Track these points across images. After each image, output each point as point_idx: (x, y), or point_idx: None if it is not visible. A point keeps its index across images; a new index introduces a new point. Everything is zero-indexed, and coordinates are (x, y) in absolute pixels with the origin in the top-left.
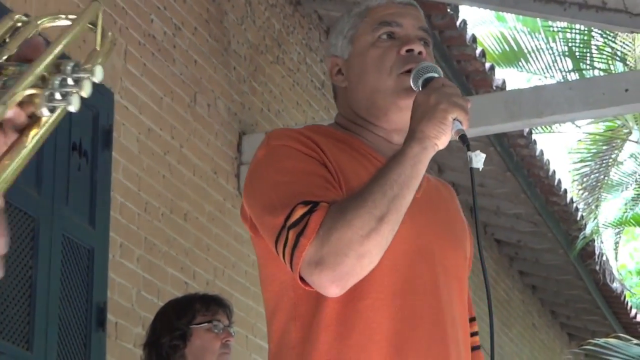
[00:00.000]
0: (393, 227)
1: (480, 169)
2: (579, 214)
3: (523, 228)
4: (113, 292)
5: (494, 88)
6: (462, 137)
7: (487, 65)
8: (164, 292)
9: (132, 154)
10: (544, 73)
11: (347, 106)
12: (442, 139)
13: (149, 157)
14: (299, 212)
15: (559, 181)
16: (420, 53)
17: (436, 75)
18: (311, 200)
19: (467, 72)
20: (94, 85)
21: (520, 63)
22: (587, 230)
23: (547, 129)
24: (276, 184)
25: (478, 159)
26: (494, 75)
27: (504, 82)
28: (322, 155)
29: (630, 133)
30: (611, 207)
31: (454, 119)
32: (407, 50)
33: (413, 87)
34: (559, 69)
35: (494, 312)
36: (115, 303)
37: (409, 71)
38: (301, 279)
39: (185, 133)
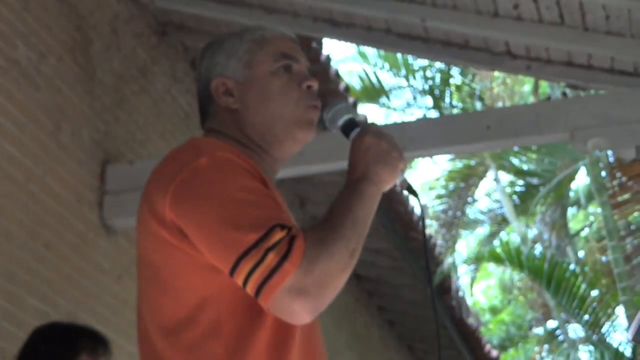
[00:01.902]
0: (355, 263)
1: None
2: (437, 249)
3: (383, 263)
4: None
5: None
6: (410, 189)
7: (350, 100)
8: (24, 323)
9: None
10: (404, 110)
11: (236, 128)
12: (389, 185)
13: (10, 184)
14: (278, 235)
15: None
16: (314, 90)
17: (353, 116)
18: (286, 225)
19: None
20: None
21: (381, 99)
22: (445, 266)
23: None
24: (239, 201)
25: (422, 207)
26: (356, 110)
27: (365, 118)
28: (262, 175)
29: (486, 171)
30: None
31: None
32: (308, 86)
33: (327, 124)
34: (420, 107)
35: (352, 347)
36: None
37: (313, 106)
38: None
39: (49, 161)
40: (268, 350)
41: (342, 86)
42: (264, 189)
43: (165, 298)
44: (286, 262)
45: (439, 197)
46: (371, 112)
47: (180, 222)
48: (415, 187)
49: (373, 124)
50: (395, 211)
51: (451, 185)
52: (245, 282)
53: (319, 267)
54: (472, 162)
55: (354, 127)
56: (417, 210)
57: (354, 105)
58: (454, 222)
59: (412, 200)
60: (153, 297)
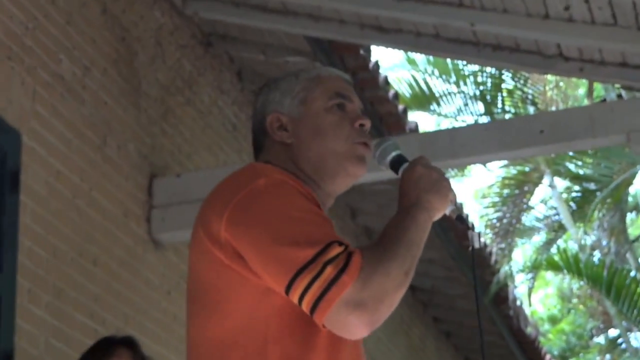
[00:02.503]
0: (409, 283)
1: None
2: (493, 258)
3: (437, 273)
4: (20, 339)
5: (407, 130)
6: (460, 218)
7: (400, 107)
8: (72, 340)
9: (40, 197)
10: (455, 117)
11: (289, 161)
12: (440, 214)
13: (57, 200)
14: (335, 250)
15: (460, 214)
16: (367, 129)
17: (401, 152)
18: (343, 242)
19: (380, 115)
20: (1, 126)
21: (431, 106)
22: (501, 275)
23: (460, 172)
24: (296, 219)
25: (476, 239)
26: (407, 117)
27: (416, 125)
28: (318, 205)
29: (541, 177)
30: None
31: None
32: (360, 125)
33: (377, 161)
34: (471, 113)
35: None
36: (23, 351)
37: (363, 143)
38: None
39: (95, 176)
40: None
41: (391, 94)
42: (320, 211)
43: (213, 319)
44: (344, 275)
45: (493, 204)
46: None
47: (235, 242)
48: (466, 216)
49: (422, 157)
50: (449, 220)
51: (505, 192)
52: (301, 298)
53: (376, 282)
54: (527, 168)
55: (402, 162)
56: (472, 222)
57: (404, 112)
58: (510, 230)
59: (467, 210)
60: (201, 317)
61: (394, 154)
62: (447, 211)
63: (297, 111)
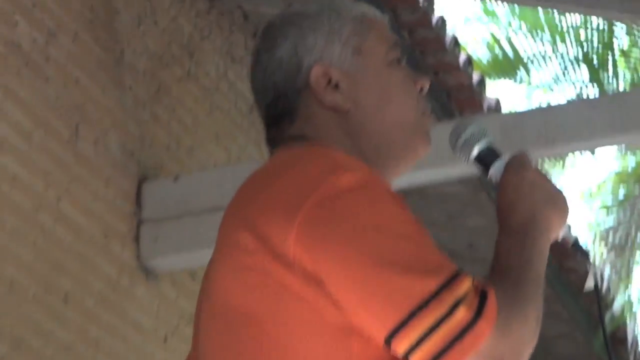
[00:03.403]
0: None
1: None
2: (605, 283)
3: None
4: None
5: (486, 109)
6: (577, 245)
7: (475, 77)
8: None
9: None
10: (550, 86)
11: (343, 136)
12: (556, 236)
13: (14, 215)
14: (466, 284)
15: (576, 239)
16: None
17: (492, 144)
18: (468, 273)
19: (448, 88)
20: None
21: (518, 74)
22: (617, 308)
23: (558, 164)
24: (404, 237)
25: (597, 275)
26: (485, 91)
27: (498, 101)
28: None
29: None
30: None
31: None
32: (421, 88)
33: (457, 151)
34: (572, 82)
35: None
36: None
37: (429, 114)
38: None
39: (64, 180)
40: None
41: (462, 59)
42: (419, 222)
43: None
44: (481, 320)
45: (605, 207)
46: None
47: (313, 262)
48: (583, 244)
49: (525, 155)
50: None
51: (622, 192)
52: (417, 344)
53: (515, 331)
54: None
55: (495, 157)
56: (574, 230)
57: (481, 83)
58: (628, 243)
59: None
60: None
61: (484, 143)
62: (561, 235)
63: (352, 63)
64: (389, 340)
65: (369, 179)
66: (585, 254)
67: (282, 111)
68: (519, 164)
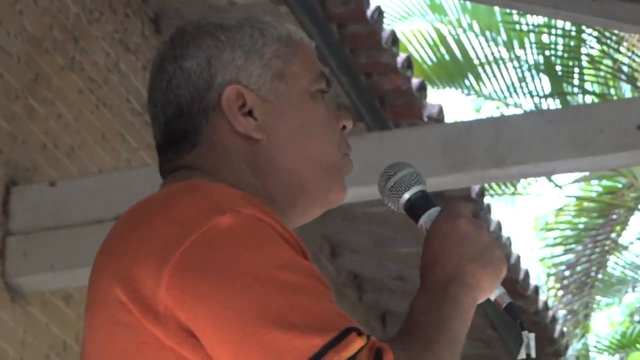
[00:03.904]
0: None
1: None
2: (557, 328)
3: (468, 349)
4: None
5: (426, 119)
6: (512, 307)
7: (415, 82)
8: None
9: None
10: (505, 97)
11: (246, 170)
12: (485, 296)
13: None
14: (356, 343)
15: (527, 274)
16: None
17: (426, 189)
18: (362, 331)
19: (382, 93)
20: None
21: (466, 81)
22: (570, 355)
23: (508, 188)
24: (288, 286)
25: (532, 344)
26: (425, 97)
27: (440, 109)
28: (304, 253)
29: None
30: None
31: None
32: (344, 127)
33: (385, 195)
34: (530, 92)
35: None
36: None
37: (349, 157)
38: None
39: None
40: None
41: (401, 59)
42: (313, 269)
43: None
44: None
45: (563, 241)
46: (449, 102)
47: (185, 313)
48: (518, 311)
49: (463, 206)
50: None
51: (582, 222)
52: None
53: None
54: (618, 185)
55: (429, 205)
56: (524, 265)
57: (422, 88)
58: (587, 282)
59: (516, 247)
60: None
61: (416, 189)
62: (494, 295)
63: (270, 89)
64: None
65: (252, 221)
66: (519, 320)
67: (182, 131)
68: (454, 212)
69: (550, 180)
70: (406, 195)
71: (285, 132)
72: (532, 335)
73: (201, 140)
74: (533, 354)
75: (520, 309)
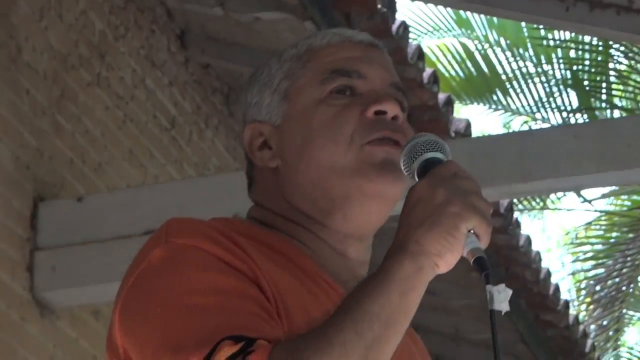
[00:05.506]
0: None
1: (503, 313)
2: (588, 342)
3: None
4: None
5: (453, 134)
6: (479, 261)
7: (442, 97)
8: None
9: None
10: (533, 112)
11: (277, 196)
12: (447, 258)
13: None
14: (225, 352)
15: (557, 289)
16: (395, 118)
17: (442, 156)
18: (244, 336)
19: (408, 108)
20: None
21: (493, 97)
22: None
23: (537, 203)
24: (188, 310)
25: (502, 297)
26: (452, 112)
27: (468, 124)
28: (254, 267)
29: None
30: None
31: (469, 231)
32: (377, 112)
33: (402, 169)
34: (557, 107)
35: None
36: None
37: (381, 140)
38: None
39: None
40: None
41: (427, 74)
42: (231, 284)
43: None
44: None
45: (594, 256)
46: (476, 117)
47: (127, 347)
48: (488, 263)
49: (448, 164)
50: (518, 279)
51: (613, 237)
52: None
53: None
54: None
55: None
56: (554, 279)
57: (448, 103)
58: (618, 297)
59: (546, 262)
60: None
61: (426, 157)
62: (466, 250)
63: (278, 113)
64: None
65: (178, 251)
66: (484, 273)
67: (247, 175)
68: (428, 177)
69: (579, 195)
70: (416, 164)
71: (292, 149)
72: (501, 288)
73: (253, 180)
74: (505, 308)
75: (550, 324)
